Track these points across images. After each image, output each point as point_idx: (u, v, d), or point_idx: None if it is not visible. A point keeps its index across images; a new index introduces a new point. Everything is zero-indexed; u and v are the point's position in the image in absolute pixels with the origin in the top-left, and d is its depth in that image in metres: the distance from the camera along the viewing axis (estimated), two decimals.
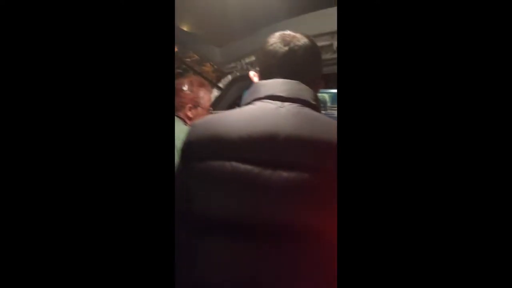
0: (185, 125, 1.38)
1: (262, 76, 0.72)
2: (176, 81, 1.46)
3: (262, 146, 0.62)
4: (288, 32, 0.72)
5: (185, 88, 1.40)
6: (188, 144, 0.68)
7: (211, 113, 1.46)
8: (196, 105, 1.41)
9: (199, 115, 1.40)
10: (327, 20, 1.26)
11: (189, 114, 1.40)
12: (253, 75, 0.76)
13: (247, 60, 1.70)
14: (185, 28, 1.75)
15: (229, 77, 1.95)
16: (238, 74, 1.88)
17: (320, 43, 1.25)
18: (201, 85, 1.44)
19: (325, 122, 0.66)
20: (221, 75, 1.43)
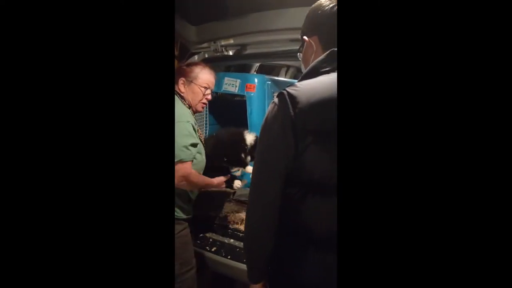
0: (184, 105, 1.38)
1: (325, 41, 0.76)
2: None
3: None
4: None
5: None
6: (299, 113, 0.65)
7: (209, 93, 1.44)
8: (189, 80, 1.39)
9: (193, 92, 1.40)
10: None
11: (181, 88, 1.39)
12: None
13: (223, 42, 1.65)
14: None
15: (196, 57, 1.88)
16: (206, 55, 1.82)
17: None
18: (202, 66, 1.43)
19: None
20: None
